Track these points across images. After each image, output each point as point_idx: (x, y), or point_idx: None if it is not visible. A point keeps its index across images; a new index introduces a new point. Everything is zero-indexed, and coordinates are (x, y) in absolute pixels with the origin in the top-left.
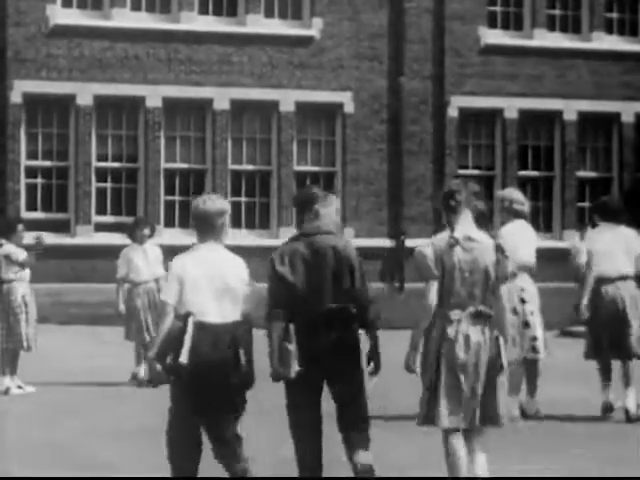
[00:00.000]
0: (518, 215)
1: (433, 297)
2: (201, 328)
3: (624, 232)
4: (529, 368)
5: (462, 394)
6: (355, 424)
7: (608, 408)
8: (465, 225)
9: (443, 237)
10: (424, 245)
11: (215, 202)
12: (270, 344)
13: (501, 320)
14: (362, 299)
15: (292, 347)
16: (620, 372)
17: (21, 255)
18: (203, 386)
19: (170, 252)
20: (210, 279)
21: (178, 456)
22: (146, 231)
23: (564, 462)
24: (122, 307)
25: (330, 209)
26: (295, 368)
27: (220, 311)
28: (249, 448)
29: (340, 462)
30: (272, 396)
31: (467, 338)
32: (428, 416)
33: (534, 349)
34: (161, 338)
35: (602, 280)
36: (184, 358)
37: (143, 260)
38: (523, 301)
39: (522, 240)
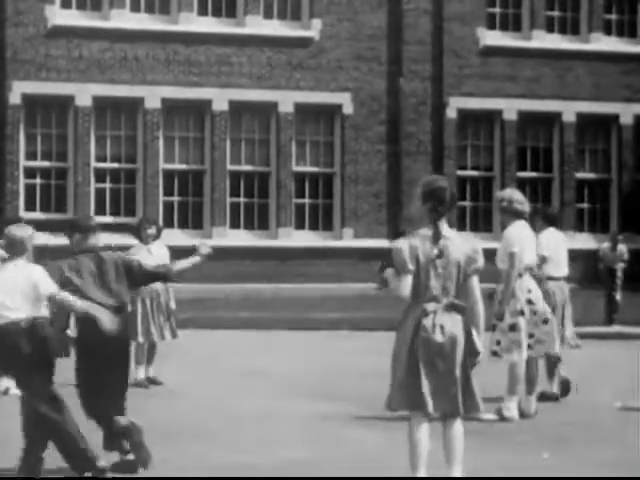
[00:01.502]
0: (519, 215)
1: (407, 290)
2: (2, 323)
3: (562, 236)
4: (529, 368)
5: (439, 380)
6: (119, 394)
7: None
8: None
9: (420, 234)
10: (401, 241)
11: (11, 229)
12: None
13: (474, 312)
14: (151, 272)
15: (70, 333)
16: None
17: None
18: (8, 368)
19: (169, 253)
20: (8, 285)
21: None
22: (151, 231)
23: (563, 462)
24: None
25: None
26: (70, 350)
27: (16, 309)
28: (248, 449)
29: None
30: (270, 399)
31: (442, 327)
32: (414, 402)
33: (530, 347)
34: None
35: (550, 279)
36: None
37: (147, 260)
38: (530, 302)
39: (526, 241)
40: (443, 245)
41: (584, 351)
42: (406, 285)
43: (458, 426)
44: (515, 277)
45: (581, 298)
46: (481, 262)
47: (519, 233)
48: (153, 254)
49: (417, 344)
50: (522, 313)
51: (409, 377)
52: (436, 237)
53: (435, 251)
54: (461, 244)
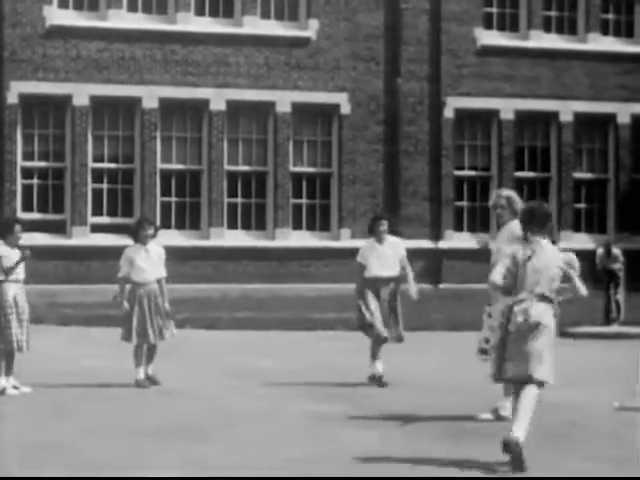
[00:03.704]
0: (516, 215)
1: (496, 277)
2: None
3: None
4: None
5: (518, 352)
6: None
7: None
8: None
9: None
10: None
11: None
12: None
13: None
14: None
15: None
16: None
17: (9, 261)
18: None
19: (166, 253)
20: None
21: None
22: (149, 231)
23: (563, 462)
24: (126, 305)
25: None
26: None
27: None
28: (247, 449)
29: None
30: (268, 399)
31: (527, 312)
32: (499, 371)
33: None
34: None
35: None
36: None
37: (145, 260)
38: None
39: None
40: (533, 250)
41: (583, 351)
42: (497, 272)
43: (529, 390)
44: None
45: (580, 298)
46: (574, 269)
47: (519, 232)
48: (150, 254)
49: (509, 326)
50: None
51: (498, 351)
52: (529, 244)
53: (527, 254)
54: (552, 251)
